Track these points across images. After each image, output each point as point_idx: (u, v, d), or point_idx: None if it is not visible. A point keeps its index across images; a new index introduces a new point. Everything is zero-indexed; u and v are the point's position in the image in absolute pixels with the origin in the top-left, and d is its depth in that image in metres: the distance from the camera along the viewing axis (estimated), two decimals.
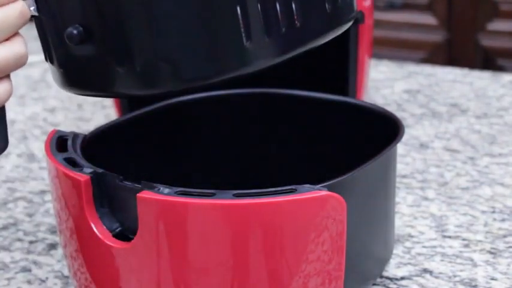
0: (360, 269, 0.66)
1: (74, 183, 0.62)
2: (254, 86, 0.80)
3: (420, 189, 0.89)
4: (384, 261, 0.71)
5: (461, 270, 0.73)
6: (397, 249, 0.77)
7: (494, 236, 0.79)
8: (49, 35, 0.59)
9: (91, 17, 0.56)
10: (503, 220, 0.82)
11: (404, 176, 0.92)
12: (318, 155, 0.80)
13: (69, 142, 0.67)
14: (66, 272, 0.75)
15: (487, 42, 2.06)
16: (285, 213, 0.57)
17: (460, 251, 0.77)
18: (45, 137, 1.04)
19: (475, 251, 0.77)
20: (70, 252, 0.65)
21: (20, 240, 0.81)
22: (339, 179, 0.60)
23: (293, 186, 0.58)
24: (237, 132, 0.81)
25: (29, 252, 0.79)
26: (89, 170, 0.62)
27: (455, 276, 0.73)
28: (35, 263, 0.77)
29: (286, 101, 0.80)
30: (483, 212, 0.84)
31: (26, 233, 0.82)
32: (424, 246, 0.77)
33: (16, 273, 0.75)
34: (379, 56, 1.39)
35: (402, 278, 0.73)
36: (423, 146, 1.00)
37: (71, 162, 0.64)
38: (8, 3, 0.54)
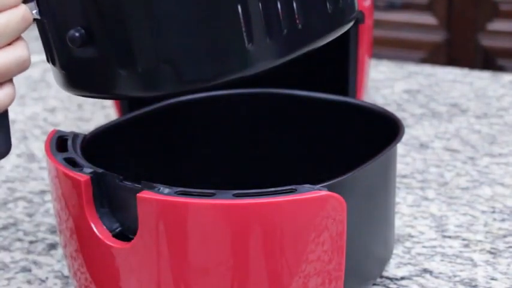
0: (360, 269, 0.66)
1: (74, 183, 0.62)
2: (254, 86, 0.80)
3: (420, 189, 0.89)
4: (384, 261, 0.71)
5: (461, 270, 0.73)
6: (397, 249, 0.77)
7: (494, 236, 0.79)
8: (51, 37, 0.59)
9: (93, 19, 0.56)
10: (503, 220, 0.82)
11: (404, 176, 0.92)
12: (318, 155, 0.80)
13: (69, 142, 0.67)
14: (66, 272, 0.75)
15: (487, 42, 2.06)
16: (285, 213, 0.57)
17: (460, 251, 0.77)
18: (45, 137, 1.04)
19: (475, 251, 0.77)
20: (70, 252, 0.65)
21: (20, 240, 0.81)
22: (339, 179, 0.60)
23: (293, 186, 0.58)
24: (237, 132, 0.81)
25: (29, 252, 0.79)
26: (89, 170, 0.62)
27: (455, 276, 0.73)
28: (35, 263, 0.77)
29: (286, 101, 0.80)
30: (483, 212, 0.84)
31: (26, 233, 0.82)
32: (424, 246, 0.77)
33: (16, 273, 0.75)
34: (379, 56, 1.39)
35: (402, 278, 0.73)
36: (423, 146, 1.00)
37: (71, 162, 0.64)
38: (10, 8, 0.54)
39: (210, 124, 0.81)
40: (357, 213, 0.62)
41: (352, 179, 0.62)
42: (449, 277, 0.72)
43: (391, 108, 1.11)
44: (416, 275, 0.73)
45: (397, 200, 0.86)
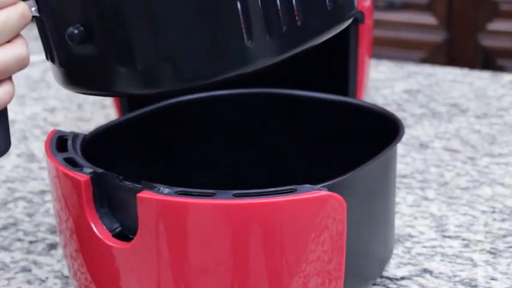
0: (360, 269, 0.66)
1: (74, 183, 0.62)
2: (254, 85, 0.80)
3: (420, 189, 0.89)
4: (384, 261, 0.71)
5: (461, 270, 0.73)
6: (397, 249, 0.77)
7: (494, 236, 0.79)
8: (50, 34, 0.59)
9: (92, 16, 0.56)
10: (503, 220, 0.82)
11: (404, 176, 0.92)
12: (318, 155, 0.80)
13: (69, 142, 0.67)
14: (66, 272, 0.75)
15: (487, 42, 2.06)
16: (285, 213, 0.57)
17: (460, 251, 0.77)
18: (45, 137, 1.04)
19: (475, 251, 0.77)
20: (70, 252, 0.65)
21: (20, 240, 0.81)
22: (339, 179, 0.60)
23: (293, 186, 0.58)
24: (237, 132, 0.81)
25: (29, 252, 0.79)
26: (89, 170, 0.62)
27: (455, 276, 0.73)
28: (35, 263, 0.77)
29: (286, 101, 0.80)
30: (483, 212, 0.84)
31: (26, 233, 0.82)
32: (424, 246, 0.77)
33: (16, 273, 0.75)
34: (379, 56, 1.39)
35: (402, 278, 0.73)
36: (423, 146, 1.00)
37: (71, 162, 0.64)
38: (9, 6, 0.54)
39: (210, 124, 0.81)
40: (357, 213, 0.62)
41: (352, 179, 0.62)
42: (449, 277, 0.72)
43: (391, 108, 1.11)
44: (416, 275, 0.73)
45: (397, 200, 0.86)
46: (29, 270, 0.76)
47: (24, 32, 0.57)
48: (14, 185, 0.93)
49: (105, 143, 0.72)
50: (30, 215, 0.86)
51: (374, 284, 0.72)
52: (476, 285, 0.71)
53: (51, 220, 0.84)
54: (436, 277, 0.73)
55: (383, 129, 0.71)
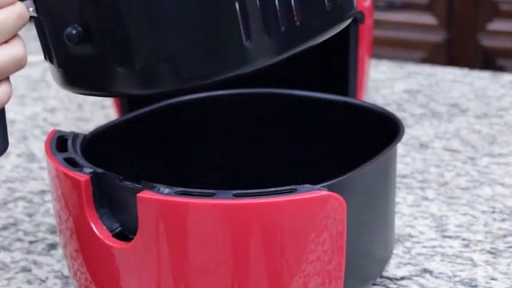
0: (360, 269, 0.66)
1: (74, 183, 0.62)
2: (254, 86, 0.80)
3: (420, 189, 0.89)
4: (384, 261, 0.71)
5: (461, 270, 0.73)
6: (397, 249, 0.77)
7: (494, 236, 0.79)
8: (48, 35, 0.59)
9: (90, 17, 0.56)
10: (503, 220, 0.82)
11: (404, 176, 0.92)
12: (318, 155, 0.80)
13: (69, 142, 0.67)
14: (66, 272, 0.75)
15: (487, 42, 2.06)
16: (285, 213, 0.57)
17: (460, 251, 0.77)
18: (45, 137, 1.04)
19: (475, 251, 0.77)
20: (70, 252, 0.65)
21: (20, 240, 0.81)
22: (339, 179, 0.60)
23: (293, 186, 0.58)
24: (237, 132, 0.81)
25: (29, 252, 0.79)
26: (89, 170, 0.62)
27: (455, 276, 0.73)
28: (35, 263, 0.77)
29: (286, 101, 0.80)
30: (483, 212, 0.84)
31: (26, 233, 0.82)
32: (424, 246, 0.77)
33: (16, 273, 0.75)
34: (379, 56, 1.39)
35: (402, 278, 0.73)
36: (423, 146, 1.00)
37: (71, 162, 0.64)
38: (6, 6, 0.54)
39: (210, 124, 0.81)
40: (357, 213, 0.62)
41: (352, 179, 0.62)
42: (449, 277, 0.72)
43: (391, 108, 1.11)
44: (416, 275, 0.73)
45: (397, 200, 0.86)
46: (29, 270, 0.76)
47: (24, 32, 0.56)
48: (14, 185, 0.93)
49: (105, 143, 0.72)
50: (30, 215, 0.86)
51: (374, 284, 0.72)
52: (476, 285, 0.71)
53: (51, 220, 0.84)
54: (436, 277, 0.73)
55: (383, 129, 0.71)
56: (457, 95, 1.16)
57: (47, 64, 0.62)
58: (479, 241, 0.78)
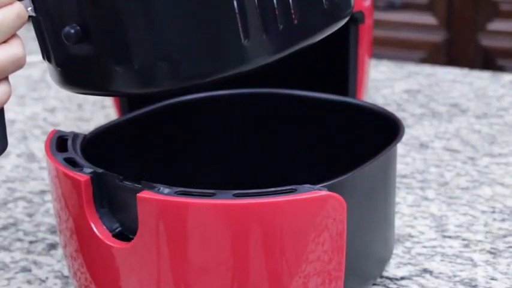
0: (360, 269, 0.66)
1: (74, 183, 0.62)
2: (254, 86, 0.80)
3: (420, 189, 0.89)
4: (384, 261, 0.71)
5: (461, 270, 0.73)
6: (397, 249, 0.77)
7: (494, 236, 0.79)
8: (46, 34, 0.59)
9: (88, 16, 0.56)
10: (503, 220, 0.82)
11: (404, 176, 0.92)
12: (318, 155, 0.80)
13: (69, 142, 0.67)
14: (66, 272, 0.75)
15: (487, 42, 2.06)
16: (285, 213, 0.57)
17: (460, 251, 0.77)
18: (45, 137, 1.04)
19: (475, 251, 0.77)
20: (70, 252, 0.65)
21: (20, 240, 0.81)
22: (339, 179, 0.60)
23: (293, 186, 0.58)
24: (237, 132, 0.81)
25: (29, 252, 0.79)
26: (89, 170, 0.62)
27: (455, 276, 0.73)
28: (35, 263, 0.77)
29: (286, 101, 0.80)
30: (483, 212, 0.84)
31: (26, 233, 0.82)
32: (424, 246, 0.77)
33: (16, 273, 0.75)
34: (379, 56, 1.39)
35: (402, 278, 0.73)
36: (423, 146, 1.00)
37: (71, 162, 0.64)
38: (5, 6, 0.54)
39: (210, 124, 0.81)
40: (357, 213, 0.62)
41: (352, 179, 0.62)
42: (449, 277, 0.72)
43: (391, 108, 1.11)
44: (416, 275, 0.73)
45: (397, 200, 0.86)
46: (29, 270, 0.76)
47: (23, 32, 0.56)
48: (14, 185, 0.93)
49: (105, 143, 0.72)
50: (30, 215, 0.86)
51: (374, 284, 0.72)
52: (476, 285, 0.71)
53: (51, 220, 0.84)
54: (436, 277, 0.73)
55: (383, 129, 0.71)
56: (457, 95, 1.16)
57: (46, 63, 0.62)
58: (479, 241, 0.78)
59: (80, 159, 0.64)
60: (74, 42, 0.57)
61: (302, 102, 0.80)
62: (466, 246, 0.77)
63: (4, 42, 0.55)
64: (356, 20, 0.93)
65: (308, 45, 0.60)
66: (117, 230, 0.62)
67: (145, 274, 0.60)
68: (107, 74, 0.58)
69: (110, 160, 0.67)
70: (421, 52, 2.11)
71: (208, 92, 0.80)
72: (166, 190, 0.58)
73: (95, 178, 0.62)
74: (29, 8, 0.58)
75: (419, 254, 0.76)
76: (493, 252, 0.76)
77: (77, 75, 0.59)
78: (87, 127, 1.08)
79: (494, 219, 0.82)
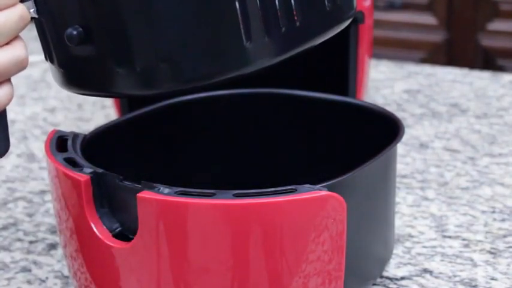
0: (360, 269, 0.66)
1: (74, 183, 0.62)
2: (254, 86, 0.80)
3: (420, 189, 0.89)
4: (384, 261, 0.71)
5: (461, 270, 0.73)
6: (397, 249, 0.77)
7: (494, 236, 0.79)
8: (49, 35, 0.59)
9: (90, 17, 0.56)
10: (503, 220, 0.82)
11: (404, 176, 0.92)
12: (318, 155, 0.80)
13: (69, 142, 0.67)
14: (66, 272, 0.75)
15: (487, 42, 2.06)
16: (285, 213, 0.57)
17: (460, 251, 0.77)
18: (45, 137, 1.04)
19: (475, 251, 0.77)
20: (70, 252, 0.65)
21: (20, 240, 0.81)
22: (339, 179, 0.60)
23: (293, 186, 0.58)
24: (237, 132, 0.81)
25: (29, 252, 0.79)
26: (89, 170, 0.62)
27: (455, 276, 0.73)
28: (35, 263, 0.77)
29: (286, 101, 0.80)
30: (483, 212, 0.84)
31: (26, 233, 0.82)
32: (424, 246, 0.77)
33: (16, 273, 0.75)
34: (379, 56, 1.39)
35: (402, 278, 0.73)
36: (423, 146, 1.00)
37: (71, 162, 0.64)
38: (7, 7, 0.54)
39: (210, 124, 0.81)
40: (357, 213, 0.62)
41: (352, 179, 0.62)
42: (449, 277, 0.72)
43: (391, 108, 1.11)
44: (416, 275, 0.73)
45: (397, 200, 0.86)
46: (29, 270, 0.76)
47: (24, 32, 0.56)
48: (14, 185, 0.93)
49: (105, 143, 0.72)
50: (30, 215, 0.86)
51: (374, 284, 0.72)
52: (476, 285, 0.71)
53: (51, 220, 0.84)
54: (436, 277, 0.73)
55: (383, 129, 0.71)
56: (457, 95, 1.16)
57: (47, 64, 0.62)
58: (479, 241, 0.78)
59: (80, 159, 0.64)
60: (76, 43, 0.57)
61: (302, 102, 0.80)
62: (466, 246, 0.77)
63: (7, 43, 0.55)
64: (356, 20, 0.93)
65: (310, 48, 0.60)
66: (117, 230, 0.62)
67: (145, 274, 0.60)
68: (108, 76, 0.58)
69: (110, 160, 0.67)
70: (421, 52, 2.11)
71: (208, 92, 0.80)
72: (166, 190, 0.58)
73: (95, 178, 0.62)
74: (32, 10, 0.58)
75: (419, 254, 0.76)
76: (493, 252, 0.76)
77: (79, 76, 0.59)
78: (87, 127, 1.08)
79: (494, 219, 0.82)
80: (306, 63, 0.97)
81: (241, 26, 0.56)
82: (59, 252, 0.78)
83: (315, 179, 0.60)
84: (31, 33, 0.63)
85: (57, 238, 0.81)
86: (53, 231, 0.82)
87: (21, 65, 0.55)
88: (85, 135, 0.69)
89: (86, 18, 0.56)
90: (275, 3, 0.57)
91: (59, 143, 0.67)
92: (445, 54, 2.10)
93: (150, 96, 0.58)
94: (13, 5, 0.54)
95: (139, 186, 0.59)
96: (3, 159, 0.99)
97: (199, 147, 0.80)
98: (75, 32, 0.56)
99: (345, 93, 0.95)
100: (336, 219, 0.59)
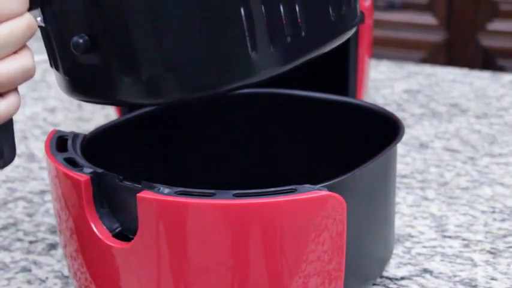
0: (360, 269, 0.66)
1: (74, 183, 0.62)
2: (254, 86, 0.80)
3: (420, 189, 0.89)
4: (384, 261, 0.71)
5: (461, 270, 0.73)
6: (397, 249, 0.77)
7: (494, 236, 0.79)
8: (55, 43, 0.59)
9: (96, 26, 0.56)
10: (503, 220, 0.82)
11: (404, 176, 0.92)
12: (318, 155, 0.80)
13: (69, 142, 0.67)
14: (66, 272, 0.75)
15: (487, 42, 2.06)
16: (285, 213, 0.57)
17: (460, 251, 0.77)
18: (45, 137, 1.04)
19: (475, 251, 0.77)
20: (70, 252, 0.65)
21: (20, 240, 0.81)
22: (339, 179, 0.60)
23: (293, 186, 0.58)
24: (237, 132, 0.81)
25: (29, 252, 0.79)
26: (89, 170, 0.62)
27: (455, 276, 0.73)
28: (35, 263, 0.77)
29: (286, 101, 0.80)
30: (483, 212, 0.84)
31: (26, 233, 0.82)
32: (424, 246, 0.77)
33: (16, 273, 0.75)
34: (379, 56, 1.39)
35: (402, 278, 0.73)
36: (423, 146, 1.00)
37: (71, 162, 0.64)
38: (15, 17, 0.53)
39: (210, 124, 0.81)
40: (357, 213, 0.62)
41: (352, 179, 0.62)
42: (449, 277, 0.72)
43: (391, 108, 1.11)
44: (416, 275, 0.73)
45: (397, 200, 0.86)
46: (29, 270, 0.76)
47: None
48: (14, 185, 0.93)
49: (105, 143, 0.72)
50: (30, 215, 0.86)
51: (374, 284, 0.72)
52: (476, 285, 0.71)
53: (51, 220, 0.84)
54: (436, 277, 0.73)
55: (383, 129, 0.71)
56: (457, 95, 1.16)
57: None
58: (479, 241, 0.78)
59: (80, 159, 0.64)
60: (82, 52, 0.57)
61: (302, 102, 0.80)
62: (466, 246, 0.77)
63: (14, 53, 0.54)
64: None
65: (315, 57, 0.60)
66: (117, 230, 0.62)
67: (145, 274, 0.60)
68: (114, 84, 0.58)
69: (110, 160, 0.67)
70: (421, 52, 2.11)
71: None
72: (166, 190, 0.58)
73: (95, 178, 0.62)
74: (38, 18, 0.58)
75: (419, 254, 0.76)
76: (493, 252, 0.76)
77: (84, 84, 0.59)
78: (87, 127, 1.08)
79: (494, 219, 0.82)
80: (306, 63, 0.97)
81: (247, 36, 0.56)
82: (59, 252, 0.78)
83: (315, 179, 0.60)
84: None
85: (57, 238, 0.81)
86: (53, 231, 0.82)
87: (28, 74, 0.55)
88: (85, 135, 0.69)
89: (92, 26, 0.56)
90: (280, 13, 0.57)
91: (59, 143, 0.67)
92: (445, 54, 2.10)
93: (155, 105, 0.58)
94: (21, 14, 0.53)
95: (139, 186, 0.59)
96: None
97: (199, 147, 0.80)
98: (81, 41, 0.57)
99: (345, 93, 0.95)
100: (336, 219, 0.59)
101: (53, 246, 0.80)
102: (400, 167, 0.93)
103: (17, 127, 1.10)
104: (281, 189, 0.58)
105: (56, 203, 0.65)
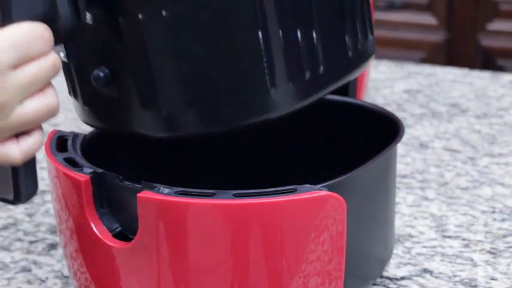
0: (360, 269, 0.66)
1: (74, 183, 0.62)
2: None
3: (420, 189, 0.89)
4: (384, 261, 0.71)
5: (461, 270, 0.73)
6: (397, 249, 0.77)
7: (494, 236, 0.79)
8: (75, 75, 0.60)
9: (118, 61, 0.57)
10: (503, 220, 0.82)
11: (404, 176, 0.92)
12: (318, 155, 0.80)
13: (69, 142, 0.67)
14: (66, 272, 0.75)
15: (487, 42, 2.06)
16: (285, 213, 0.57)
17: (460, 251, 0.77)
18: (45, 137, 1.04)
19: (475, 251, 0.77)
20: (70, 252, 0.65)
21: (20, 240, 0.81)
22: (339, 179, 0.60)
23: (293, 186, 0.58)
24: (237, 132, 0.81)
25: (29, 252, 0.79)
26: (89, 170, 0.62)
27: (455, 276, 0.73)
28: (35, 263, 0.77)
29: None
30: (483, 212, 0.84)
31: (26, 233, 0.82)
32: (424, 246, 0.77)
33: (16, 273, 0.75)
34: (379, 56, 1.39)
35: (402, 278, 0.73)
36: (423, 146, 1.00)
37: (71, 162, 0.64)
38: (41, 56, 0.53)
39: None
40: (357, 213, 0.62)
41: (352, 179, 0.62)
42: (449, 277, 0.72)
43: (391, 108, 1.11)
44: (416, 275, 0.73)
45: (397, 200, 0.86)
46: (29, 270, 0.76)
47: None
48: None
49: (105, 143, 0.72)
50: (30, 215, 0.86)
51: (374, 284, 0.72)
52: (476, 285, 0.71)
53: (51, 220, 0.84)
54: (436, 277, 0.73)
55: (383, 129, 0.71)
56: (457, 95, 1.16)
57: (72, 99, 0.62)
58: (479, 241, 0.78)
59: (80, 159, 0.64)
60: (102, 84, 0.57)
61: None
62: (466, 246, 0.77)
63: (39, 91, 0.54)
64: None
65: (331, 91, 0.61)
66: (117, 230, 0.62)
67: (145, 274, 0.60)
68: (133, 117, 0.58)
69: (110, 160, 0.67)
70: (421, 52, 2.11)
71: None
72: (166, 190, 0.58)
73: (95, 178, 0.62)
74: (62, 54, 0.58)
75: (419, 254, 0.76)
76: (493, 252, 0.76)
77: (103, 114, 0.60)
78: (87, 127, 1.08)
79: (494, 219, 0.82)
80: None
81: (266, 74, 0.57)
82: (59, 252, 0.78)
83: (315, 179, 0.60)
84: None
85: (57, 238, 0.81)
86: (53, 231, 0.82)
87: (52, 112, 0.56)
88: (85, 135, 0.69)
89: (113, 61, 0.57)
90: (300, 52, 0.58)
91: (59, 143, 0.67)
92: (445, 54, 2.10)
93: (173, 139, 0.59)
94: (46, 53, 0.54)
95: (139, 186, 0.59)
96: None
97: (199, 147, 0.80)
98: (101, 74, 0.57)
99: (345, 93, 0.95)
100: (336, 219, 0.59)
101: (53, 246, 0.80)
102: (400, 167, 0.93)
103: None
104: (281, 189, 0.58)
105: (56, 203, 0.65)
